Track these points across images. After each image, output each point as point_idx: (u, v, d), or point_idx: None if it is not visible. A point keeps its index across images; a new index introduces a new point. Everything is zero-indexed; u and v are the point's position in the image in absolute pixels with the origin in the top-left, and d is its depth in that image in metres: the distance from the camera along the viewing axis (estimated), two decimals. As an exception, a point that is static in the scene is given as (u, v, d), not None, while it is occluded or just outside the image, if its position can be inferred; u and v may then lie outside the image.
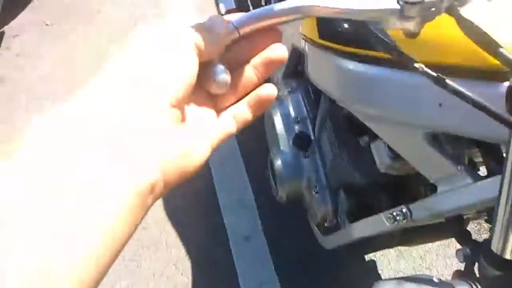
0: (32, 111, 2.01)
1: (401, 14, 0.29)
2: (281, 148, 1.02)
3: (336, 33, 0.65)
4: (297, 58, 1.04)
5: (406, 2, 0.29)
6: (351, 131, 0.80)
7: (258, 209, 1.53)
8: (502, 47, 0.36)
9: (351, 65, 0.64)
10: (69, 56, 2.27)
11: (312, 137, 1.00)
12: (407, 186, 0.77)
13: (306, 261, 1.35)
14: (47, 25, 2.49)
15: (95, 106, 0.26)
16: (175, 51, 0.29)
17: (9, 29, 2.47)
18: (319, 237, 1.09)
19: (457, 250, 0.50)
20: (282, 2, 0.32)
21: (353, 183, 0.84)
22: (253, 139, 1.59)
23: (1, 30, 2.41)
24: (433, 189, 0.65)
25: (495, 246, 0.46)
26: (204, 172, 1.64)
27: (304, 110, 1.04)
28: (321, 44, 0.70)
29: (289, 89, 1.08)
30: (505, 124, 0.37)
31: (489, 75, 0.48)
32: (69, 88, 2.09)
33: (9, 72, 2.23)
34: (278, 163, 1.01)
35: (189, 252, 1.46)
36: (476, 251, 0.49)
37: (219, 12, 1.46)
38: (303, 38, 0.79)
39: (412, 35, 0.32)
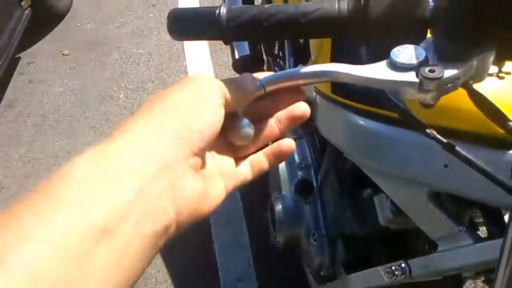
0: (35, 135, 2.03)
1: (420, 88, 0.32)
2: (283, 192, 1.04)
3: (349, 90, 0.69)
4: (305, 108, 1.08)
5: (425, 78, 0.32)
6: (355, 183, 0.82)
7: (251, 250, 1.52)
8: (509, 119, 0.40)
9: (362, 121, 0.67)
10: (81, 86, 2.32)
11: (315, 185, 1.02)
12: (407, 241, 0.79)
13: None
14: (63, 54, 2.56)
15: (120, 150, 0.27)
16: (204, 104, 0.31)
17: (26, 55, 2.54)
18: (313, 285, 1.08)
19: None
20: (309, 66, 0.35)
21: (353, 234, 0.85)
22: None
23: (17, 55, 2.48)
24: (433, 246, 0.66)
25: (494, 307, 0.47)
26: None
27: (309, 157, 1.07)
28: (333, 98, 0.74)
29: (296, 136, 1.11)
30: (508, 192, 0.40)
31: (496, 143, 0.51)
32: (76, 116, 2.13)
33: (20, 96, 2.28)
34: (278, 207, 1.03)
35: (178, 290, 1.44)
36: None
37: (233, 57, 1.52)
38: (314, 90, 0.83)
39: (428, 106, 0.35)
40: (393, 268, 0.70)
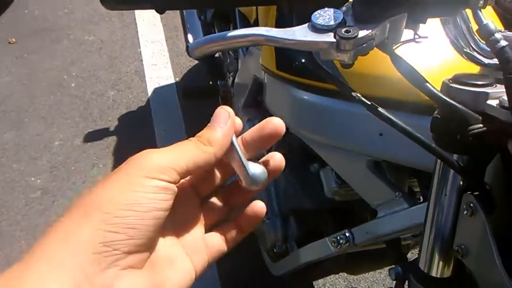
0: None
1: (337, 47, 0.34)
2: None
3: (291, 65, 0.71)
4: (257, 89, 1.10)
5: (342, 37, 0.33)
6: (303, 159, 0.84)
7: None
8: (428, 81, 0.42)
9: (305, 95, 0.69)
10: (29, 75, 2.22)
11: (267, 165, 1.04)
12: (352, 213, 0.82)
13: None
14: (9, 43, 2.44)
15: (31, 274, 0.25)
16: (136, 196, 0.28)
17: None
18: (268, 263, 1.10)
19: (390, 269, 0.54)
20: (236, 30, 0.36)
21: (303, 209, 0.88)
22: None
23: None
24: (374, 214, 0.69)
25: (422, 265, 0.50)
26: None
27: (261, 138, 1.08)
28: (278, 74, 0.75)
29: (248, 117, 1.12)
30: (429, 151, 0.42)
31: (420, 109, 0.54)
32: (25, 107, 2.04)
33: (-38, 86, 2.15)
34: (232, 188, 1.03)
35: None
36: (406, 270, 0.53)
37: (187, 42, 1.51)
38: (262, 69, 0.84)
39: (347, 66, 0.37)
40: (338, 237, 0.73)
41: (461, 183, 0.45)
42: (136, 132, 1.89)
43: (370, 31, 0.34)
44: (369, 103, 0.42)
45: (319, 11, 0.36)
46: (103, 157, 1.81)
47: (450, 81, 0.43)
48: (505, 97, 0.38)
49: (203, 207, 0.34)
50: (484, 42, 0.36)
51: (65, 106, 2.04)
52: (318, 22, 0.35)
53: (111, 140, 1.87)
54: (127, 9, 0.42)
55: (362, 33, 0.34)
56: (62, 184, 1.70)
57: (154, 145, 1.83)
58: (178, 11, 1.77)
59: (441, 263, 0.49)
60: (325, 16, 0.35)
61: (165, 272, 0.30)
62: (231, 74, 1.38)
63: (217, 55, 1.64)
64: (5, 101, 2.08)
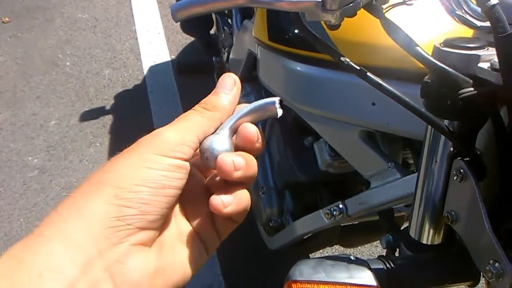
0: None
1: (323, 7, 0.33)
2: (232, 149, 1.04)
3: (284, 35, 0.70)
4: (252, 63, 1.08)
5: (327, -4, 0.32)
6: (297, 132, 0.84)
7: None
8: (418, 45, 0.41)
9: (296, 66, 0.68)
10: (23, 54, 2.20)
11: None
12: (345, 184, 0.82)
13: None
14: (3, 22, 2.40)
15: (40, 250, 0.25)
16: (149, 174, 0.27)
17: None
18: (264, 238, 1.11)
19: (381, 238, 0.54)
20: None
21: (297, 182, 0.88)
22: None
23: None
24: (368, 185, 0.69)
25: (413, 232, 0.50)
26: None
27: (256, 113, 1.07)
28: (270, 46, 0.74)
29: (244, 93, 1.11)
30: (419, 116, 0.42)
31: (413, 77, 0.53)
32: (20, 86, 2.02)
33: (-44, 65, 2.13)
34: (228, 163, 1.03)
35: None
36: (397, 238, 0.53)
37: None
38: (255, 41, 0.83)
39: (334, 27, 0.36)
40: (331, 209, 0.74)
41: (452, 149, 0.45)
42: (133, 110, 1.88)
43: (356, -11, 0.33)
44: (358, 67, 0.41)
45: (305, -30, 0.34)
46: (100, 135, 1.80)
47: (441, 44, 0.42)
48: (496, 59, 0.37)
49: (207, 184, 0.33)
50: (475, 2, 0.35)
51: (60, 85, 2.02)
52: (304, -19, 0.34)
53: (108, 119, 1.86)
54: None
55: (348, -8, 0.33)
56: (59, 163, 1.70)
57: (150, 123, 1.82)
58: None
59: (431, 230, 0.49)
60: (312, -25, 0.34)
61: (175, 253, 0.29)
62: (226, 49, 1.37)
63: (212, 31, 1.62)
64: (0, 81, 2.06)
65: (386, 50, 0.53)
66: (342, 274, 0.40)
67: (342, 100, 0.64)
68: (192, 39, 2.15)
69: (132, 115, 1.86)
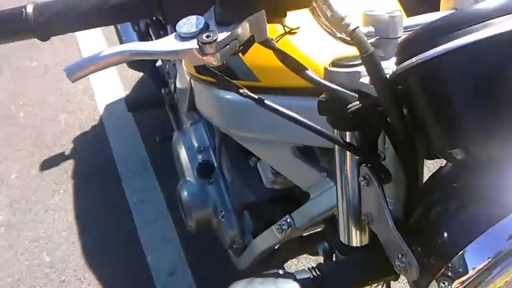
0: None
1: (202, 52, 0.36)
2: (186, 178, 1.06)
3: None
4: (194, 92, 1.11)
5: (203, 43, 0.36)
6: (242, 154, 0.87)
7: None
8: (308, 69, 0.45)
9: (223, 94, 0.71)
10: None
11: (215, 164, 1.06)
12: (293, 198, 0.85)
13: None
14: None
15: None
16: None
17: None
18: (234, 260, 1.13)
19: (318, 245, 0.57)
20: (107, 49, 0.38)
21: (249, 202, 0.90)
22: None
23: None
24: (308, 197, 0.73)
25: (342, 237, 0.54)
26: (123, 213, 1.64)
27: (206, 140, 1.10)
28: (198, 78, 0.77)
29: (191, 121, 1.14)
30: (315, 132, 0.45)
31: (310, 92, 0.56)
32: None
33: None
34: (184, 194, 1.05)
35: (112, 297, 1.42)
36: (331, 244, 0.57)
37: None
38: (187, 74, 0.86)
39: (218, 67, 0.39)
40: (281, 224, 0.77)
41: (358, 157, 0.49)
42: (92, 151, 1.88)
43: (229, 32, 0.37)
44: (256, 97, 0.45)
45: (183, 19, 0.38)
46: (63, 182, 1.78)
47: (330, 65, 0.46)
48: (372, 74, 0.41)
49: None
50: (337, 27, 0.39)
51: (16, 138, 1.99)
52: (182, 31, 0.37)
53: (69, 164, 1.85)
54: (6, 42, 0.43)
55: (222, 36, 0.36)
56: (24, 216, 1.67)
57: (112, 161, 1.82)
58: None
59: (357, 232, 0.52)
60: (188, 24, 0.37)
61: None
62: (172, 80, 1.39)
63: (158, 63, 1.65)
64: (-47, 142, 2.02)
65: (287, 72, 0.56)
66: (270, 290, 0.42)
67: (268, 121, 0.67)
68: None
69: (93, 156, 1.85)
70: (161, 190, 1.72)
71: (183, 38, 0.37)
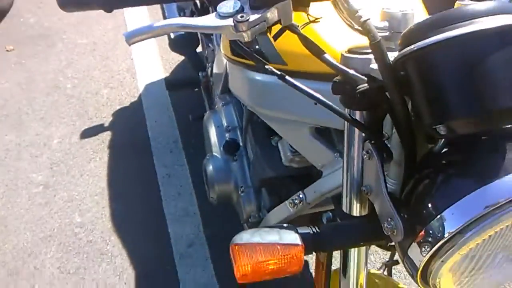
0: (-15, 130, 2.06)
1: (236, 29, 0.44)
2: (213, 154, 1.15)
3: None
4: (228, 76, 1.20)
5: (237, 21, 0.44)
6: (265, 133, 0.95)
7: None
8: (326, 53, 0.52)
9: (253, 75, 0.79)
10: (27, 79, 2.34)
11: (240, 144, 1.14)
12: (308, 176, 0.92)
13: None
14: (7, 50, 2.55)
15: None
16: None
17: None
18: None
19: (322, 213, 0.64)
20: (161, 21, 0.47)
21: (269, 178, 0.98)
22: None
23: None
24: (321, 174, 0.80)
25: (344, 207, 0.61)
26: (153, 188, 1.76)
27: (235, 120, 1.18)
28: (234, 60, 0.85)
29: (223, 102, 1.23)
30: (328, 108, 0.52)
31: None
32: (24, 109, 2.16)
33: (-36, 93, 2.27)
34: (209, 167, 1.14)
35: (133, 261, 1.54)
36: (335, 214, 0.63)
37: (169, 37, 1.60)
38: (223, 56, 0.95)
39: (249, 44, 0.47)
40: (293, 199, 0.84)
41: (364, 134, 0.55)
42: (129, 126, 2.01)
43: (259, 15, 0.44)
44: (278, 73, 0.52)
45: (223, 2, 0.46)
46: (99, 151, 1.92)
47: (346, 52, 0.53)
48: (380, 60, 0.48)
49: None
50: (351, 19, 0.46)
51: (62, 106, 2.15)
52: (221, 11, 0.45)
53: (106, 135, 1.99)
54: (79, 10, 0.52)
55: (253, 17, 0.44)
56: (62, 178, 1.82)
57: (146, 137, 1.95)
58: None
59: (357, 203, 0.59)
60: (227, 5, 0.45)
61: None
62: (210, 65, 1.49)
63: (199, 49, 1.75)
64: (5, 105, 2.20)
65: (307, 57, 0.63)
66: (274, 237, 0.50)
67: (290, 102, 0.75)
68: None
69: (129, 130, 1.98)
70: (188, 167, 1.83)
71: (221, 16, 0.45)
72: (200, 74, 1.60)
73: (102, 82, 2.26)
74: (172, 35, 1.63)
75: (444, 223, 0.44)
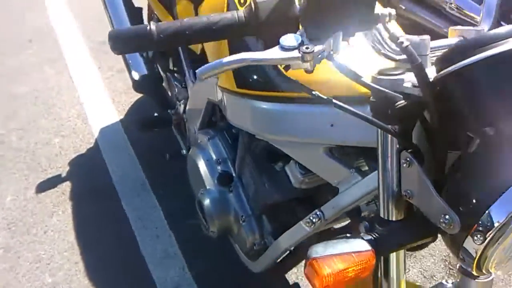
0: None
1: (302, 59, 0.49)
2: (207, 187, 1.16)
3: (249, 82, 0.86)
4: (211, 110, 1.23)
5: (304, 52, 0.49)
6: (268, 160, 0.99)
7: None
8: (362, 77, 0.59)
9: (264, 105, 0.84)
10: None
11: (234, 174, 1.16)
12: (317, 196, 0.97)
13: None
14: None
15: None
16: None
17: None
18: (249, 264, 1.22)
19: (359, 224, 0.69)
20: (231, 56, 0.50)
21: (275, 203, 1.02)
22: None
23: None
24: (337, 191, 0.85)
25: (382, 213, 0.66)
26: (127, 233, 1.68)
27: (224, 152, 1.21)
28: (238, 92, 0.90)
29: (208, 137, 1.24)
30: (374, 124, 0.58)
31: (363, 100, 0.70)
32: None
33: None
34: (206, 202, 1.14)
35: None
36: (372, 221, 0.69)
37: (132, 78, 1.60)
38: (220, 90, 0.98)
39: (309, 72, 0.52)
40: (311, 217, 0.88)
41: (397, 146, 0.62)
42: (90, 173, 1.92)
43: (321, 46, 0.50)
44: (325, 97, 0.58)
45: (284, 36, 0.51)
46: (60, 203, 1.81)
47: (377, 74, 0.60)
48: (415, 79, 0.55)
49: None
50: (394, 44, 0.53)
51: (9, 161, 2.00)
52: (286, 44, 0.50)
53: (66, 186, 1.88)
54: (133, 52, 0.54)
55: (317, 48, 0.49)
56: (23, 238, 1.68)
57: (110, 183, 1.87)
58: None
59: (395, 209, 0.65)
60: (289, 39, 0.50)
61: None
62: (181, 102, 1.50)
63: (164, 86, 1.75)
64: None
65: (341, 83, 0.69)
66: (345, 247, 0.54)
67: (306, 126, 0.80)
68: (137, 98, 2.27)
69: (90, 178, 1.89)
70: (161, 208, 1.78)
71: (285, 49, 0.50)
72: (169, 112, 1.61)
73: (52, 131, 2.15)
74: (136, 76, 1.62)
75: (494, 214, 0.51)
